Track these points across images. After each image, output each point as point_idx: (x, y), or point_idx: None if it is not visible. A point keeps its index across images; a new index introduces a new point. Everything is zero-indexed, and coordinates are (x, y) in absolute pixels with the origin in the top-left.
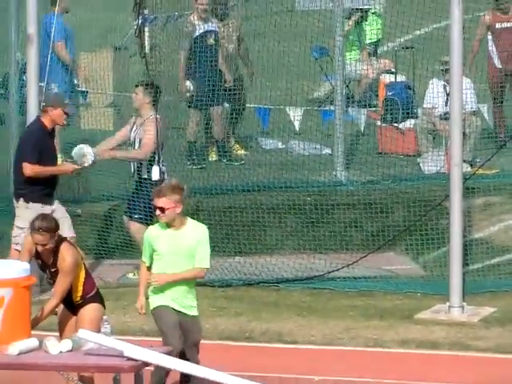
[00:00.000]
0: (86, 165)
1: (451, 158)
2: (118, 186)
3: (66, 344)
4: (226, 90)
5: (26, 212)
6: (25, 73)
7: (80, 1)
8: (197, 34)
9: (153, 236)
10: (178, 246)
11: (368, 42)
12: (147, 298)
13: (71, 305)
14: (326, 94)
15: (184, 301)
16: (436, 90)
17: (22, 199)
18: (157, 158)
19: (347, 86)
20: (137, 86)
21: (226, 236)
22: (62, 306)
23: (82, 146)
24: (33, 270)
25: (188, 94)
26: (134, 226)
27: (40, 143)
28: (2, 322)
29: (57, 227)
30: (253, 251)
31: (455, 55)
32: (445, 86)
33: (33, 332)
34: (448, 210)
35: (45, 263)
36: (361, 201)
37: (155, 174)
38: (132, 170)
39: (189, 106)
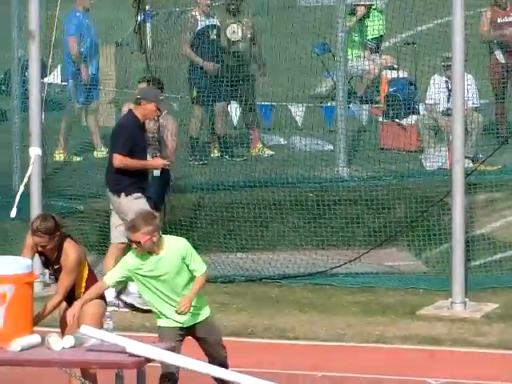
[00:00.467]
0: None
1: (453, 153)
2: None
3: (69, 340)
4: (234, 88)
5: (134, 203)
6: (27, 69)
7: None
8: (198, 28)
9: (133, 267)
10: (163, 271)
11: (370, 37)
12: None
13: (73, 301)
14: (328, 90)
15: (192, 310)
16: (438, 86)
17: (123, 194)
18: (158, 154)
19: (349, 82)
20: (139, 81)
21: (228, 232)
22: (64, 303)
23: None
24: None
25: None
26: None
27: (132, 135)
28: (5, 319)
29: (56, 227)
30: (255, 247)
31: (457, 51)
32: (447, 82)
33: (35, 328)
34: (450, 206)
35: (48, 259)
36: (363, 197)
37: (156, 170)
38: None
39: (192, 102)
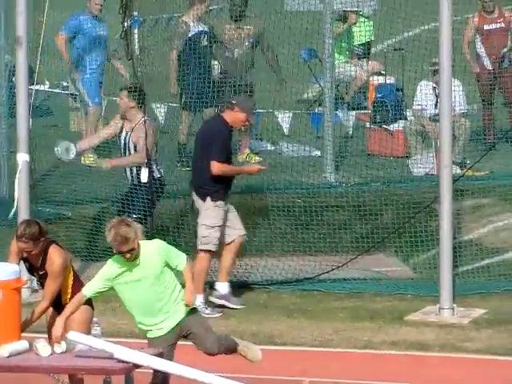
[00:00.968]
0: (70, 157)
1: (441, 159)
2: (108, 188)
3: (61, 345)
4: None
5: (214, 211)
6: (14, 75)
7: (67, 1)
8: (190, 34)
9: (112, 276)
10: (142, 273)
11: (357, 43)
12: None
13: (60, 307)
14: (316, 95)
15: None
16: (425, 92)
17: (209, 198)
18: (146, 161)
19: (337, 88)
20: (121, 89)
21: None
22: (50, 309)
23: (65, 141)
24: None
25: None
26: None
27: (226, 141)
28: None
29: (41, 233)
30: (243, 253)
31: (444, 57)
32: (434, 88)
33: (23, 334)
34: (437, 212)
35: (32, 266)
36: (350, 203)
37: (144, 176)
38: (129, 174)
39: (182, 108)
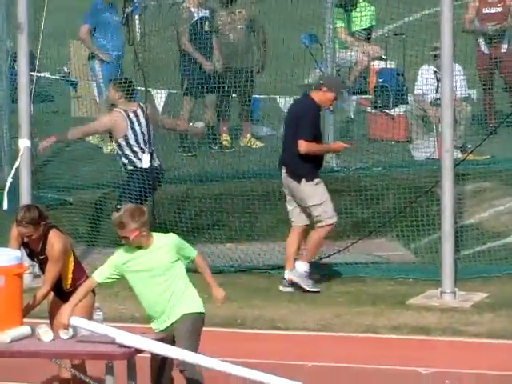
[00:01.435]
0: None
1: (442, 143)
2: (109, 174)
3: (68, 332)
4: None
5: (315, 189)
6: (15, 61)
7: None
8: (192, 20)
9: (122, 263)
10: (152, 264)
11: (359, 28)
12: None
13: (61, 292)
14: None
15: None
16: (426, 77)
17: (303, 180)
18: (147, 146)
19: (338, 73)
20: (109, 82)
21: (218, 223)
22: (52, 294)
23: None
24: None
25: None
26: None
27: (315, 121)
28: None
29: (41, 217)
30: (244, 238)
31: (445, 41)
32: (435, 72)
33: (25, 320)
34: (439, 196)
35: (32, 251)
36: (352, 187)
37: (145, 161)
38: (125, 160)
39: (184, 94)
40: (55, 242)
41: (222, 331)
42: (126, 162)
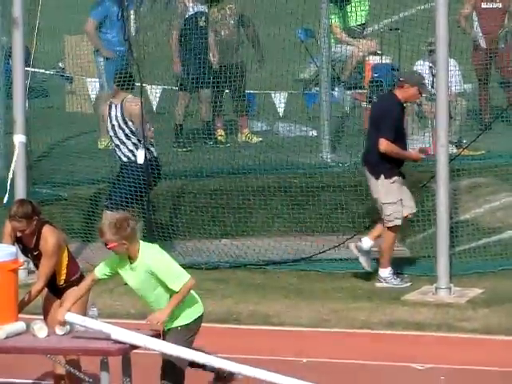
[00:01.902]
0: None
1: (437, 139)
2: (104, 170)
3: (64, 328)
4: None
5: (391, 187)
6: (10, 56)
7: None
8: (188, 14)
9: (116, 265)
10: (133, 283)
11: (354, 24)
12: None
13: (55, 288)
14: (312, 75)
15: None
16: (422, 72)
17: (382, 176)
18: (142, 141)
19: (333, 68)
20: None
21: (213, 218)
22: (46, 290)
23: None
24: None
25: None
26: None
27: (398, 119)
28: None
29: (34, 212)
30: (239, 233)
31: (441, 36)
32: (430, 68)
33: (20, 315)
34: (434, 192)
35: (26, 247)
36: (347, 182)
37: (140, 157)
38: (120, 154)
39: (179, 89)
40: (49, 237)
41: (217, 327)
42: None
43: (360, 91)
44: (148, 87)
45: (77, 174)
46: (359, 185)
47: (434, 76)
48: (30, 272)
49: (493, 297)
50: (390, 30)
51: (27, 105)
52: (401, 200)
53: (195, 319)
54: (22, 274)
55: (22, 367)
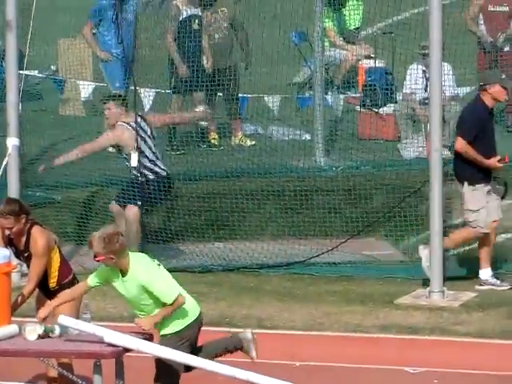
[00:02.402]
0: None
1: (431, 143)
2: (97, 173)
3: (55, 330)
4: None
5: (473, 194)
6: (3, 59)
7: None
8: (181, 17)
9: (107, 276)
10: (129, 294)
11: (348, 28)
12: None
13: (47, 291)
14: (306, 79)
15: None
16: (415, 76)
17: (466, 183)
18: (135, 145)
19: (327, 72)
20: (105, 102)
21: (206, 222)
22: (38, 292)
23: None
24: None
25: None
26: (131, 211)
27: (479, 122)
28: None
29: (22, 210)
30: (233, 237)
31: (434, 40)
32: (424, 71)
33: (13, 318)
34: (428, 196)
35: (17, 249)
36: (340, 186)
37: (134, 160)
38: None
39: (172, 92)
40: (38, 237)
41: (210, 330)
42: (147, 173)
43: (353, 95)
44: (142, 90)
45: (70, 176)
46: (352, 188)
47: (427, 80)
48: (23, 275)
49: (486, 300)
50: (384, 33)
51: (20, 107)
52: (484, 207)
53: (187, 325)
54: (15, 276)
55: (14, 370)
